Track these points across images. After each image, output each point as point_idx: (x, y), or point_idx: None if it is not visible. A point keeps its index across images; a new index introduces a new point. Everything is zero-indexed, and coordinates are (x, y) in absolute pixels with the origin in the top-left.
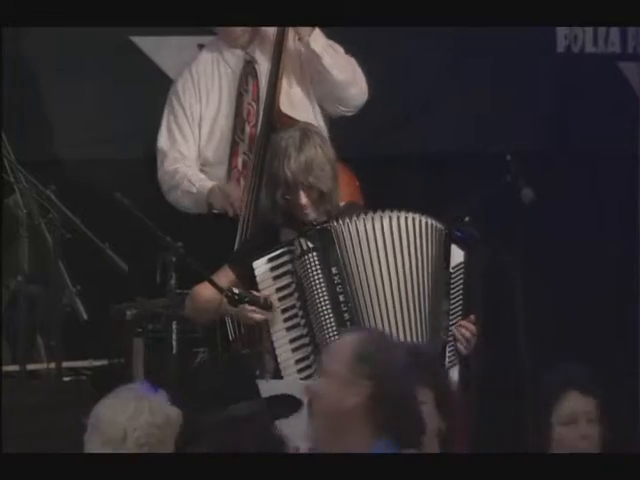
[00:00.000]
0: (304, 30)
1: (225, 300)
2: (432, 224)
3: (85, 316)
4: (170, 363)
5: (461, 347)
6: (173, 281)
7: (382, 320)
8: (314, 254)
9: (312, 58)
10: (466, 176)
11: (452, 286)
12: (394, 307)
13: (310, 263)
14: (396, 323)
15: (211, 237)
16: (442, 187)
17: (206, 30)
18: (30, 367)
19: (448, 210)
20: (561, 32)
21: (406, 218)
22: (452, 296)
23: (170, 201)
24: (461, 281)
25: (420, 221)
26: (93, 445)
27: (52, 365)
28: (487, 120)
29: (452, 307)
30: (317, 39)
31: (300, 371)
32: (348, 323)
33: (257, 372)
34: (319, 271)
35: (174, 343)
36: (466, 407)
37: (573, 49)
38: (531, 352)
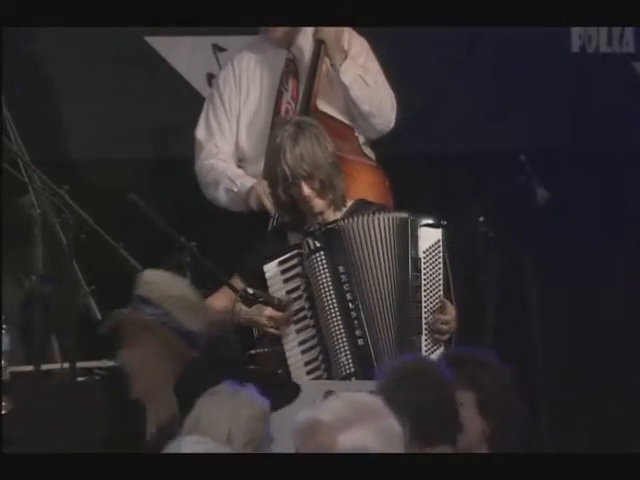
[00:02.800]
0: (336, 57)
1: (238, 307)
2: (403, 217)
3: (99, 316)
4: None
5: (441, 337)
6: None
7: (383, 320)
8: (321, 253)
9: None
10: (480, 176)
11: (424, 273)
12: (392, 306)
13: (318, 262)
14: (394, 323)
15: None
16: (456, 187)
17: (220, 30)
18: (44, 367)
19: (462, 210)
20: (575, 32)
21: (389, 218)
22: (424, 283)
23: (207, 196)
24: (438, 263)
25: (395, 218)
26: (186, 445)
27: (66, 365)
28: (500, 120)
29: (425, 295)
30: (348, 69)
31: (309, 373)
32: (355, 322)
33: (280, 371)
34: (326, 270)
35: None
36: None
37: (587, 49)
38: (547, 352)
